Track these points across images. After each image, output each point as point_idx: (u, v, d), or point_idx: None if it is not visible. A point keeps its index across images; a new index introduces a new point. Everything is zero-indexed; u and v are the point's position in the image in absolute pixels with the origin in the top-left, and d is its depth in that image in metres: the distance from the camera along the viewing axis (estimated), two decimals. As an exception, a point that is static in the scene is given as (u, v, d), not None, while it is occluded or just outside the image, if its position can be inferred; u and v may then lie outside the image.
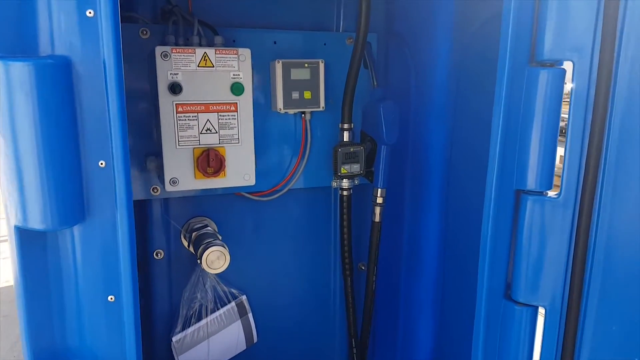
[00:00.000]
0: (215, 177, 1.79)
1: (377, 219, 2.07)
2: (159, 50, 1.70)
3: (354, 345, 2.26)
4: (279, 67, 1.91)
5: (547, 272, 1.37)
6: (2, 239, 6.23)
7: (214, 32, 1.85)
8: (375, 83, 2.04)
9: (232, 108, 1.80)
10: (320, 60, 1.96)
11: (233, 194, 2.06)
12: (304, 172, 2.11)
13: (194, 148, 1.77)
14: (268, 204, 2.12)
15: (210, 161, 1.77)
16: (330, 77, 2.03)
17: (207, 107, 1.77)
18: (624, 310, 1.35)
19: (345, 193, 2.07)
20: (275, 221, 2.21)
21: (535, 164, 1.33)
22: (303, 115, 2.03)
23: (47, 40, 1.07)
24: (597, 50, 1.25)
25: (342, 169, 1.99)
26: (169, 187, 1.76)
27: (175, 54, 1.71)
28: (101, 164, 1.13)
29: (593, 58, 1.25)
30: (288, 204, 2.19)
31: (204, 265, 1.79)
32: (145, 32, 1.80)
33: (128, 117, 1.78)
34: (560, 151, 1.30)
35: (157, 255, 2.04)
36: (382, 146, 2.01)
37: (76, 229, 1.16)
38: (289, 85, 1.93)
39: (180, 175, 1.77)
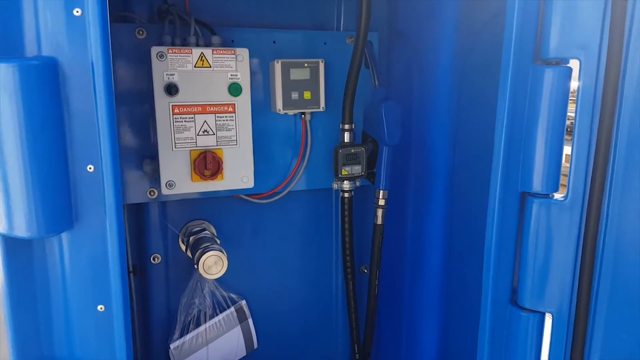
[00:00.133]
0: (212, 179, 1.76)
1: (379, 221, 2.03)
2: (154, 50, 1.66)
3: (356, 351, 2.22)
4: (278, 67, 1.87)
5: (554, 278, 1.33)
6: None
7: (211, 32, 1.81)
8: (376, 83, 2.00)
9: (230, 109, 1.77)
10: (320, 60, 1.92)
11: (232, 197, 2.02)
12: (304, 174, 2.07)
13: (191, 150, 1.74)
14: (268, 206, 2.09)
15: (207, 163, 1.74)
16: (331, 77, 1.99)
17: (204, 109, 1.74)
18: (635, 318, 1.30)
19: (346, 195, 2.03)
20: (275, 224, 2.17)
21: (540, 165, 1.29)
22: (303, 115, 1.99)
23: (33, 41, 1.04)
24: (605, 47, 1.20)
25: (343, 170, 1.96)
26: (165, 191, 1.73)
27: (172, 54, 1.68)
28: (90, 168, 1.10)
29: (601, 56, 1.21)
30: (288, 206, 2.15)
31: (200, 270, 1.75)
32: (141, 32, 1.76)
33: (124, 119, 1.80)
34: (566, 152, 1.26)
35: (154, 259, 2.00)
36: (384, 147, 1.97)
37: (64, 237, 1.12)
38: (288, 86, 1.89)
39: (177, 178, 1.73)
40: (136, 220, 1.99)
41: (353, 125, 1.97)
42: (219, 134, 1.76)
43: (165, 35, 1.74)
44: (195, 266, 1.78)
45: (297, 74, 1.90)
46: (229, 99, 1.76)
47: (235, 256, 2.07)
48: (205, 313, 1.98)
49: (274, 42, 1.94)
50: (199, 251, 1.78)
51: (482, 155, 1.49)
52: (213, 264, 1.76)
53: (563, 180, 1.29)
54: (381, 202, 2.01)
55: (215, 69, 1.73)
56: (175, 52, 1.68)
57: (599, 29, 1.20)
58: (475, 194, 1.69)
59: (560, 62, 1.27)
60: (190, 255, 1.86)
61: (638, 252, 1.27)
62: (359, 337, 2.21)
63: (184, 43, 1.76)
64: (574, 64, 1.26)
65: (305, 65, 1.91)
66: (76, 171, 1.09)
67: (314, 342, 2.34)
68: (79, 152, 1.09)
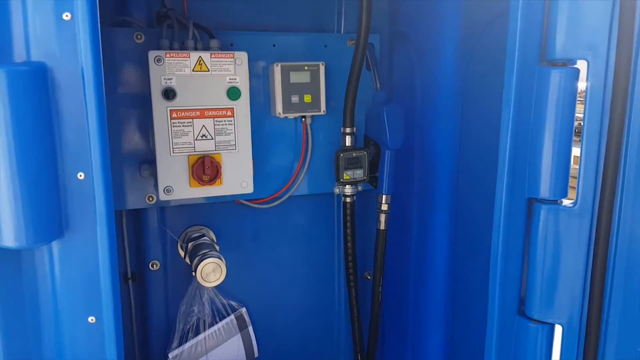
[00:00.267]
0: (211, 185, 1.73)
1: (382, 226, 1.99)
2: (152, 54, 1.63)
3: None
4: (277, 70, 1.84)
5: (563, 287, 1.28)
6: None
7: (210, 36, 1.78)
8: (378, 85, 1.97)
9: (229, 113, 1.73)
10: (320, 63, 1.89)
11: (232, 202, 1.99)
12: (305, 178, 2.04)
13: (189, 155, 1.71)
14: (268, 211, 2.05)
15: (205, 169, 1.70)
16: (332, 79, 1.96)
17: (202, 113, 1.70)
18: (649, 329, 1.26)
19: (348, 200, 1.99)
20: (276, 229, 2.14)
21: (548, 170, 1.25)
22: (303, 119, 1.96)
23: (22, 46, 1.00)
24: (614, 47, 1.16)
25: (344, 174, 1.92)
26: (163, 196, 1.69)
27: (169, 58, 1.65)
28: (80, 175, 1.06)
29: (609, 56, 1.17)
30: (289, 211, 2.12)
31: (198, 278, 1.72)
32: (139, 37, 1.73)
33: (123, 124, 1.77)
34: (575, 160, 1.22)
35: (152, 266, 1.97)
36: (386, 151, 1.93)
37: (54, 246, 1.08)
38: (288, 89, 1.86)
39: (175, 183, 1.70)
40: (135, 226, 1.96)
41: (354, 128, 1.94)
42: (218, 138, 1.73)
43: (163, 39, 1.71)
44: (194, 273, 1.74)
45: (297, 77, 1.87)
46: (228, 103, 1.73)
47: (236, 262, 2.04)
48: (204, 321, 1.94)
49: (274, 45, 1.91)
50: (197, 258, 1.75)
51: (487, 159, 1.46)
52: (211, 272, 1.73)
53: (572, 182, 1.24)
54: (384, 207, 1.97)
55: (213, 72, 1.70)
56: (172, 56, 1.65)
57: (607, 28, 1.16)
58: (480, 199, 1.65)
59: (567, 63, 1.24)
60: (189, 262, 1.83)
61: (651, 260, 1.23)
62: (362, 346, 2.17)
63: (183, 47, 1.73)
64: (581, 64, 1.23)
65: (306, 68, 1.87)
66: (66, 179, 1.06)
67: (316, 351, 2.30)
68: (69, 159, 1.05)
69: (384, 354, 2.28)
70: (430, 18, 1.83)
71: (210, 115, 1.71)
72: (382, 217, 1.98)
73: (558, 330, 1.33)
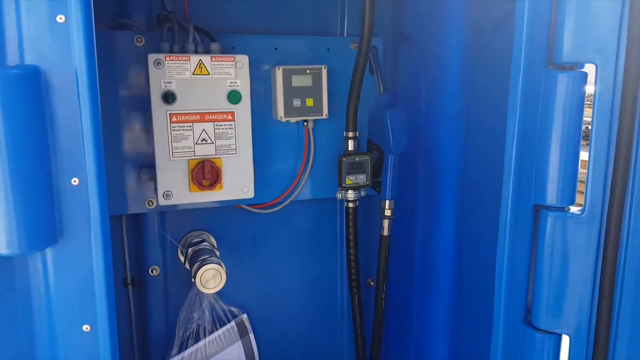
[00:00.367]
0: (211, 189, 1.70)
1: (385, 232, 1.96)
2: (151, 58, 1.61)
3: (362, 367, 2.15)
4: (279, 73, 1.82)
5: (571, 296, 1.26)
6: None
7: (210, 39, 1.76)
8: (381, 89, 1.94)
9: (229, 117, 1.71)
10: (322, 66, 1.87)
11: (233, 207, 1.96)
12: (307, 183, 2.01)
13: (189, 159, 1.68)
14: (270, 216, 2.03)
15: (205, 173, 1.68)
16: (335, 83, 1.94)
17: (202, 117, 1.68)
18: (660, 340, 1.23)
19: (350, 205, 1.96)
20: (278, 235, 2.11)
21: (555, 177, 1.22)
22: (305, 123, 1.93)
23: (15, 49, 0.98)
24: (623, 50, 1.13)
25: (347, 179, 1.89)
26: (162, 201, 1.67)
27: (169, 61, 1.63)
28: (74, 181, 1.04)
29: (618, 59, 1.14)
30: (291, 216, 2.10)
31: (198, 284, 1.70)
32: (140, 40, 1.71)
33: (123, 127, 1.74)
34: (582, 164, 1.19)
35: (152, 271, 1.94)
36: (390, 155, 1.91)
37: (48, 253, 1.06)
38: (290, 93, 1.84)
39: (175, 188, 1.68)
40: (134, 230, 1.94)
41: (357, 132, 1.91)
42: (218, 142, 1.71)
43: (164, 43, 1.69)
44: (193, 280, 1.71)
45: (299, 81, 1.84)
46: (228, 106, 1.70)
47: (236, 268, 2.02)
48: (204, 328, 1.92)
49: (276, 48, 1.89)
50: (197, 264, 1.72)
51: (493, 165, 1.43)
52: (211, 278, 1.70)
53: (579, 187, 1.22)
54: (387, 212, 1.95)
55: (214, 76, 1.67)
56: (172, 60, 1.62)
57: (616, 31, 1.14)
58: (486, 205, 1.61)
59: (575, 67, 1.21)
60: (189, 268, 1.80)
61: (661, 269, 1.19)
62: (365, 354, 2.14)
63: (183, 50, 1.70)
64: (589, 68, 1.20)
65: (308, 71, 1.85)
66: (60, 184, 1.03)
67: (318, 358, 2.27)
68: (63, 165, 1.03)
69: (387, 362, 2.25)
70: (434, 20, 1.80)
71: (211, 119, 1.69)
72: (386, 223, 1.96)
73: (565, 340, 1.30)
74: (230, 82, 1.69)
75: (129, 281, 1.94)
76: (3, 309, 1.07)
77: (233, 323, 2.01)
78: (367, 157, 1.90)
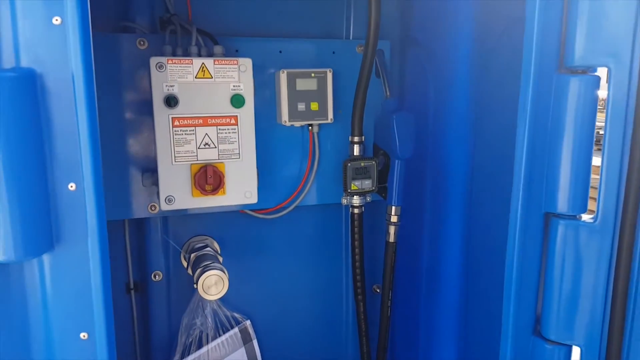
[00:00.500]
0: (214, 194, 1.67)
1: (391, 239, 1.94)
2: (153, 61, 1.59)
3: (367, 376, 2.12)
4: (283, 77, 1.79)
5: (582, 307, 1.22)
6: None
7: (214, 42, 1.74)
8: (388, 93, 1.91)
9: (232, 121, 1.68)
10: (328, 70, 1.84)
11: (237, 211, 1.94)
12: (311, 188, 1.98)
13: (192, 164, 1.66)
14: (274, 221, 2.00)
15: (208, 178, 1.65)
16: (340, 87, 1.91)
17: (205, 121, 1.65)
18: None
19: (356, 211, 1.94)
20: (282, 240, 2.09)
21: (566, 184, 1.19)
22: (310, 127, 1.90)
23: (10, 51, 0.95)
24: (638, 53, 1.10)
25: (352, 185, 1.87)
26: (164, 206, 1.64)
27: (171, 64, 1.60)
28: (71, 186, 1.01)
29: (633, 63, 1.10)
30: (295, 222, 2.06)
31: (200, 290, 1.67)
32: (142, 43, 1.69)
33: (126, 131, 1.72)
34: (595, 169, 1.16)
35: (155, 277, 1.92)
36: (396, 161, 1.88)
37: (44, 259, 1.03)
38: (294, 97, 1.81)
39: (177, 193, 1.65)
40: (137, 235, 1.92)
41: (363, 137, 1.88)
42: (221, 147, 1.68)
43: (166, 46, 1.67)
44: (195, 286, 1.69)
45: (303, 85, 1.82)
46: (231, 110, 1.68)
47: (240, 274, 1.99)
48: (207, 334, 1.89)
49: (280, 51, 1.87)
50: (199, 270, 1.70)
51: (502, 171, 1.40)
52: (213, 284, 1.67)
53: (592, 193, 1.18)
54: (393, 218, 1.92)
55: (217, 79, 1.65)
56: (175, 63, 1.60)
57: (631, 33, 1.10)
58: (495, 213, 1.58)
59: (587, 71, 1.18)
60: (192, 273, 1.77)
61: (676, 280, 1.16)
62: (370, 361, 2.11)
63: (186, 53, 1.68)
64: (601, 71, 1.17)
65: (312, 75, 1.82)
66: (56, 189, 1.01)
67: (322, 366, 2.24)
68: (60, 170, 1.00)
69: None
70: (443, 23, 1.77)
71: (214, 123, 1.66)
72: (392, 229, 1.93)
73: (576, 352, 1.27)
74: (234, 86, 1.67)
75: (132, 286, 1.92)
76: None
77: (236, 329, 1.98)
78: (373, 162, 1.88)
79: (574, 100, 1.17)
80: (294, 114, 1.82)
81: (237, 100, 1.67)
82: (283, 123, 1.83)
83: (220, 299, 1.79)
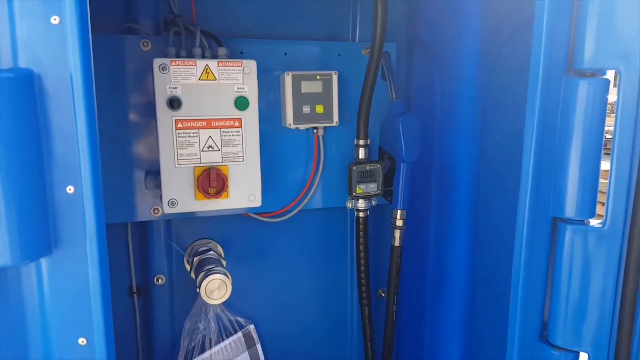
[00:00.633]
0: (217, 198, 1.66)
1: (397, 243, 1.91)
2: (156, 62, 1.57)
3: (372, 382, 2.09)
4: (288, 79, 1.78)
5: (590, 313, 1.20)
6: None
7: (218, 43, 1.72)
8: (394, 96, 1.89)
9: (236, 124, 1.67)
10: (333, 72, 1.82)
11: (241, 215, 1.92)
12: (316, 192, 1.97)
13: (195, 167, 1.64)
14: (278, 225, 1.98)
15: (211, 181, 1.64)
16: (346, 90, 1.89)
17: (208, 123, 1.64)
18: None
19: (361, 215, 1.91)
20: (286, 244, 2.07)
21: (574, 188, 1.17)
22: (315, 130, 1.89)
23: (8, 51, 0.94)
24: (649, 56, 1.08)
25: (357, 188, 1.84)
26: (167, 209, 1.63)
27: (175, 66, 1.59)
28: (69, 189, 0.99)
29: (644, 66, 1.08)
30: (300, 225, 2.05)
31: (202, 294, 1.65)
32: (146, 44, 1.68)
33: (129, 133, 1.71)
34: (603, 174, 1.14)
35: (158, 280, 1.90)
36: (402, 164, 1.85)
37: (42, 263, 1.02)
38: (299, 99, 1.80)
39: (180, 196, 1.63)
40: (140, 239, 1.91)
41: (368, 140, 1.86)
42: (225, 149, 1.66)
43: (170, 47, 1.65)
44: (198, 290, 1.67)
45: (308, 87, 1.80)
46: (235, 113, 1.66)
47: (244, 278, 1.98)
48: (210, 339, 1.87)
49: (285, 53, 1.85)
50: (202, 274, 1.68)
51: (509, 175, 1.38)
52: (216, 289, 1.66)
53: (600, 197, 1.16)
54: (399, 222, 1.89)
55: (220, 81, 1.63)
56: (178, 64, 1.59)
57: (642, 36, 1.08)
58: (502, 217, 1.56)
59: (596, 73, 1.16)
60: (195, 277, 1.76)
61: (687, 286, 1.13)
62: (375, 367, 2.08)
63: (190, 55, 1.67)
64: (611, 74, 1.15)
65: (318, 77, 1.81)
66: (55, 192, 0.99)
67: (327, 371, 2.22)
68: (58, 172, 0.99)
69: (398, 376, 2.19)
70: (450, 25, 1.76)
71: (217, 125, 1.65)
72: (397, 233, 1.90)
73: (583, 358, 1.25)
74: (238, 88, 1.65)
75: (134, 290, 1.90)
76: (-4, 321, 1.03)
77: (240, 334, 1.96)
78: (379, 165, 1.85)
79: (582, 103, 1.15)
80: (298, 116, 1.81)
81: (241, 103, 1.65)
82: (288, 126, 1.81)
83: (224, 302, 1.77)
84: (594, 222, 1.19)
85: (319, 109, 1.82)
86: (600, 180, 1.18)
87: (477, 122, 1.70)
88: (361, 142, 1.85)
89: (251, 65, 1.66)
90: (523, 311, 1.27)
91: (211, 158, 1.66)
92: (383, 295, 2.19)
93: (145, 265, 1.91)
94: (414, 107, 1.97)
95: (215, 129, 1.65)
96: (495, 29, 1.60)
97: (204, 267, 1.72)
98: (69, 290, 1.04)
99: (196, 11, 1.74)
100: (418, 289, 2.02)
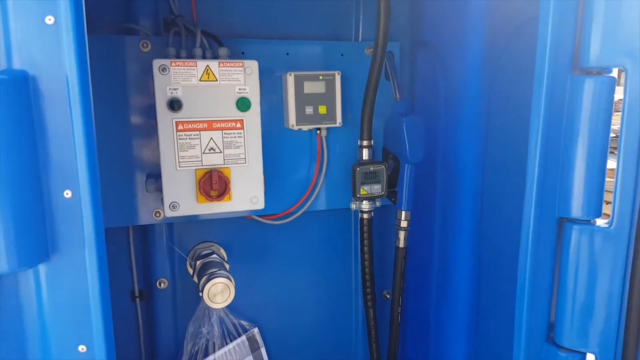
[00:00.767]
0: (219, 200, 1.65)
1: (401, 244, 1.89)
2: (156, 63, 1.56)
3: (377, 384, 2.07)
4: (290, 80, 1.76)
5: (597, 313, 1.18)
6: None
7: (219, 44, 1.71)
8: (397, 96, 1.87)
9: (238, 125, 1.65)
10: (336, 72, 1.81)
11: (244, 217, 1.91)
12: (320, 194, 1.95)
13: (196, 169, 1.63)
14: (281, 227, 1.96)
15: (213, 183, 1.62)
16: (349, 90, 1.88)
17: (210, 125, 1.63)
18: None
19: (365, 216, 1.90)
20: (290, 246, 2.05)
21: (580, 188, 1.15)
22: (318, 131, 1.87)
23: (2, 52, 0.93)
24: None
25: (361, 189, 1.83)
26: (169, 213, 1.62)
27: (175, 67, 1.57)
28: (67, 194, 0.98)
29: (651, 64, 1.06)
30: (304, 227, 2.03)
31: (205, 298, 1.64)
32: (146, 45, 1.67)
33: (129, 136, 1.70)
34: (610, 173, 1.12)
35: (160, 284, 1.89)
36: (406, 165, 1.83)
37: (40, 270, 1.00)
38: (302, 100, 1.78)
39: (181, 199, 1.62)
40: (142, 242, 1.89)
41: (372, 141, 1.84)
42: (227, 151, 1.65)
43: (170, 48, 1.64)
44: (200, 294, 1.66)
45: (311, 87, 1.78)
46: (237, 114, 1.65)
47: (247, 281, 1.97)
48: (213, 343, 1.86)
49: (287, 53, 1.83)
50: (205, 277, 1.66)
51: (514, 175, 1.37)
52: (219, 292, 1.64)
53: (607, 197, 1.14)
54: (403, 223, 1.88)
55: (222, 82, 1.62)
56: (178, 65, 1.57)
57: (649, 33, 1.06)
58: (507, 217, 1.54)
59: (602, 72, 1.14)
60: (197, 281, 1.74)
61: (696, 287, 1.11)
62: (380, 369, 2.06)
63: (190, 55, 1.65)
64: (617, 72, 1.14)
65: (320, 77, 1.79)
66: (52, 197, 0.98)
67: (331, 374, 2.20)
68: (55, 176, 0.97)
69: (403, 378, 2.17)
70: (453, 24, 1.74)
71: (219, 127, 1.63)
72: (402, 235, 1.88)
73: (590, 359, 1.23)
74: (239, 89, 1.64)
75: (137, 294, 1.89)
76: (-7, 329, 1.02)
77: (244, 337, 1.95)
78: (383, 166, 1.84)
79: (588, 102, 1.13)
80: (301, 117, 1.79)
81: (242, 104, 1.64)
82: (290, 127, 1.80)
83: (228, 306, 1.76)
84: (601, 221, 1.17)
85: (322, 109, 1.80)
86: (607, 179, 1.16)
87: (482, 122, 1.69)
88: (365, 142, 1.83)
89: (253, 65, 1.64)
90: (529, 312, 1.25)
91: (213, 160, 1.64)
92: (388, 296, 2.17)
93: (147, 269, 1.90)
94: (418, 107, 1.95)
95: (216, 130, 1.63)
96: (499, 28, 1.58)
97: (206, 271, 1.70)
98: (68, 296, 1.03)
99: (196, 11, 1.73)
100: (423, 291, 2.00)
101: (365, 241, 1.92)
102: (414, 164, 1.83)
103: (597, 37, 1.11)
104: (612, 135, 1.17)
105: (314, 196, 1.93)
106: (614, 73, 1.16)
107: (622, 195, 1.12)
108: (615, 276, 1.16)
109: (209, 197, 1.63)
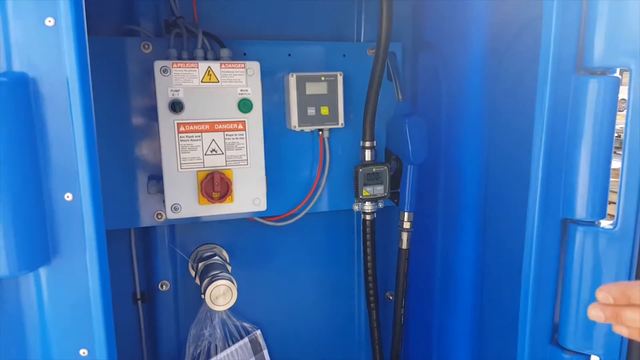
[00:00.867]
0: (221, 202, 1.63)
1: (404, 245, 1.88)
2: (157, 65, 1.55)
3: (380, 386, 2.07)
4: (292, 81, 1.75)
5: (602, 316, 1.17)
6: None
7: (220, 45, 1.70)
8: (400, 96, 1.86)
9: (240, 127, 1.64)
10: (338, 73, 1.80)
11: (246, 219, 1.90)
12: (322, 195, 1.94)
13: (198, 171, 1.62)
14: (284, 229, 1.96)
15: (215, 185, 1.61)
16: (351, 91, 1.87)
17: (211, 126, 1.62)
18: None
19: (368, 217, 1.89)
20: (292, 248, 2.04)
21: (585, 189, 1.15)
22: (320, 132, 1.86)
23: (1, 54, 0.92)
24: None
25: (363, 191, 1.82)
26: (170, 215, 1.61)
27: (176, 68, 1.57)
28: (67, 196, 0.97)
29: (656, 64, 1.06)
30: (306, 229, 2.02)
31: (207, 301, 1.63)
32: (147, 46, 1.66)
33: (131, 137, 1.69)
34: (614, 173, 1.11)
35: (162, 287, 1.88)
36: (408, 166, 1.83)
37: (41, 273, 1.00)
38: (304, 101, 1.77)
39: (183, 201, 1.61)
40: (144, 244, 1.88)
41: (374, 142, 1.84)
42: (228, 153, 1.64)
43: (171, 49, 1.63)
44: (202, 296, 1.65)
45: (313, 88, 1.78)
46: (239, 115, 1.64)
47: (250, 282, 1.95)
48: (215, 346, 1.85)
49: (289, 54, 1.83)
50: (207, 280, 1.66)
51: (518, 176, 1.36)
52: (221, 295, 1.63)
53: (612, 197, 1.13)
54: (406, 225, 1.87)
55: (223, 84, 1.61)
56: (180, 67, 1.56)
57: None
58: (511, 219, 1.53)
59: (607, 72, 1.14)
60: (199, 283, 1.74)
61: (702, 289, 1.10)
62: (383, 371, 2.06)
63: (191, 57, 1.65)
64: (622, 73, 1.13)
65: (322, 78, 1.78)
66: (52, 200, 0.97)
67: (334, 376, 2.19)
68: (55, 179, 0.97)
69: (407, 380, 2.16)
70: (456, 25, 1.73)
71: (221, 128, 1.62)
72: (404, 236, 1.87)
73: (594, 361, 1.23)
74: (241, 90, 1.63)
75: (138, 297, 1.88)
76: (-7, 333, 1.01)
77: (246, 339, 1.94)
78: (385, 167, 1.83)
79: (592, 102, 1.13)
80: (303, 118, 1.78)
81: (244, 105, 1.63)
82: (292, 128, 1.79)
83: (230, 308, 1.75)
84: (605, 223, 1.16)
85: (324, 110, 1.80)
86: (611, 180, 1.16)
87: (485, 122, 1.68)
88: (367, 143, 1.82)
89: (254, 66, 1.64)
90: (533, 314, 1.25)
91: (215, 162, 1.63)
92: (391, 298, 2.16)
93: (149, 271, 1.89)
94: (420, 108, 1.94)
95: (218, 132, 1.62)
96: (502, 28, 1.57)
97: (209, 273, 1.70)
98: (69, 300, 1.02)
99: (198, 12, 1.72)
100: (426, 292, 1.99)
101: (368, 242, 1.91)
102: (417, 165, 1.82)
103: (600, 37, 1.11)
104: (615, 135, 1.16)
105: (316, 197, 1.92)
106: (618, 73, 1.15)
107: (627, 196, 1.11)
108: (620, 278, 1.15)
109: (211, 199, 1.62)
